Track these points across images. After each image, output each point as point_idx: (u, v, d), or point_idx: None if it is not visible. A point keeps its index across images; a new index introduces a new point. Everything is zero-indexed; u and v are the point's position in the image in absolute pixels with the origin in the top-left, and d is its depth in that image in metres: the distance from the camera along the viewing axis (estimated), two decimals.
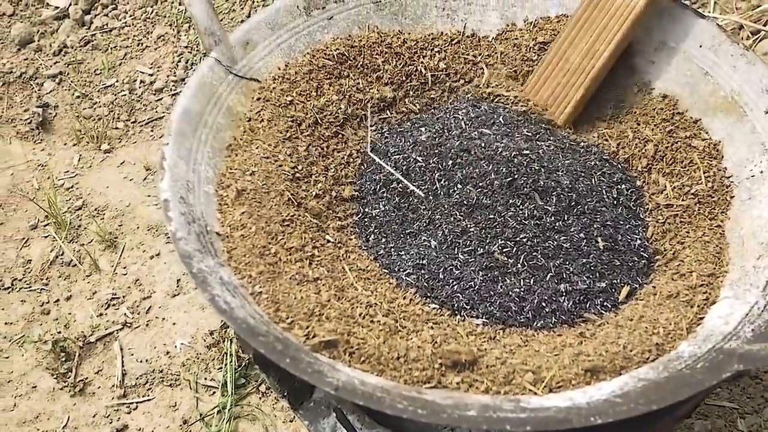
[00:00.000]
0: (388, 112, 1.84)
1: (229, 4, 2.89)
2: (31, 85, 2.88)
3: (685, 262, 1.52)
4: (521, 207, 1.57)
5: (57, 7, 3.03)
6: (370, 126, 1.79)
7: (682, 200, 1.63)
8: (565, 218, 1.57)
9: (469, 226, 1.58)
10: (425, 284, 1.54)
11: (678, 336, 1.36)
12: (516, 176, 1.60)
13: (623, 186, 1.67)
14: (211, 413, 1.97)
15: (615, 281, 1.53)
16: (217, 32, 1.70)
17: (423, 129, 1.76)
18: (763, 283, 1.38)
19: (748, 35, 2.37)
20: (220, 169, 1.60)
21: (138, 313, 2.20)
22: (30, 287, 2.29)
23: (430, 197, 1.63)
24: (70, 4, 3.02)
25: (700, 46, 1.72)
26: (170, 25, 2.93)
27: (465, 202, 1.60)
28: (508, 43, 1.89)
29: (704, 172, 1.63)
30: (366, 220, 1.67)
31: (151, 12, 2.98)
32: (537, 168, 1.61)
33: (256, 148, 1.67)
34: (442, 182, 1.64)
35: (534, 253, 1.53)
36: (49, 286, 2.29)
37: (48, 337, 2.11)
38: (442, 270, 1.55)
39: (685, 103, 1.73)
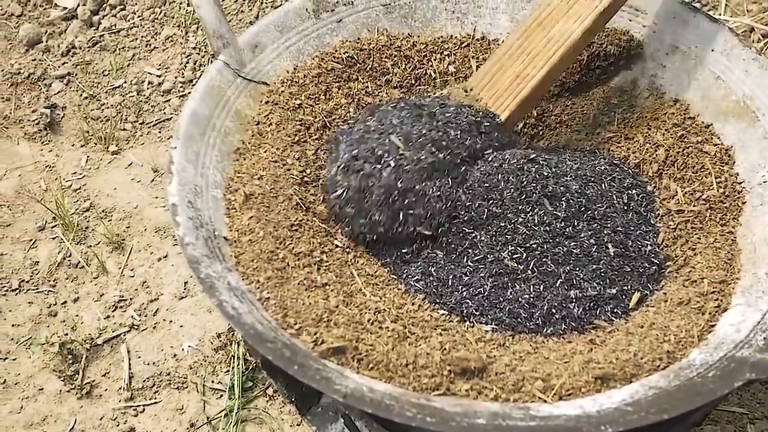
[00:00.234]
0: None
1: (237, 5, 2.89)
2: (39, 85, 2.88)
3: (696, 269, 1.51)
4: (531, 213, 1.56)
5: (65, 8, 3.03)
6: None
7: (694, 206, 1.62)
8: (575, 224, 1.56)
9: (479, 235, 1.58)
10: (434, 290, 1.54)
11: (689, 343, 1.35)
12: (525, 183, 1.59)
13: (634, 191, 1.67)
14: (218, 416, 1.97)
15: (625, 288, 1.52)
16: (226, 35, 1.70)
17: None
18: None
19: (759, 38, 2.36)
20: (228, 173, 1.59)
21: (145, 316, 2.19)
22: (37, 289, 2.28)
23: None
24: (79, 5, 3.02)
25: (712, 51, 1.71)
26: (178, 26, 2.92)
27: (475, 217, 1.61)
28: None
29: (716, 178, 1.62)
30: None
31: (160, 13, 2.98)
32: (546, 174, 1.60)
33: (265, 151, 1.66)
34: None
35: (544, 259, 1.52)
36: (57, 287, 2.28)
37: (55, 339, 2.10)
38: (451, 276, 1.55)
39: (696, 107, 1.72)
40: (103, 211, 2.47)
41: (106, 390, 2.04)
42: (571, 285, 1.50)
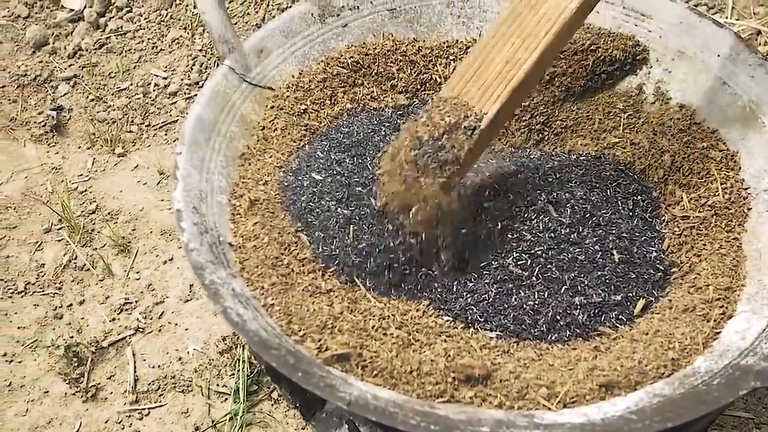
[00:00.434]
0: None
1: (243, 7, 2.89)
2: (46, 87, 2.88)
3: (701, 275, 1.51)
4: (536, 220, 1.56)
5: (72, 10, 3.03)
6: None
7: (699, 212, 1.62)
8: (580, 230, 1.56)
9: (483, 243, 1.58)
10: (438, 296, 1.53)
11: (694, 351, 1.35)
12: (529, 190, 1.59)
13: (639, 197, 1.66)
14: (223, 420, 1.97)
15: (630, 294, 1.51)
16: (232, 40, 1.70)
17: None
18: None
19: (766, 41, 2.36)
20: (233, 179, 1.60)
21: (150, 319, 2.20)
22: (43, 291, 2.29)
23: None
24: (85, 7, 3.02)
25: (718, 56, 1.71)
26: (185, 28, 2.93)
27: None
28: None
29: (721, 184, 1.62)
30: None
31: (166, 15, 2.98)
32: (550, 180, 1.60)
33: (270, 157, 1.67)
34: None
35: (549, 266, 1.52)
36: (62, 290, 2.29)
37: (60, 341, 2.11)
38: (455, 282, 1.54)
39: (702, 113, 1.72)
40: (108, 213, 2.48)
41: (112, 393, 2.04)
42: (576, 291, 1.50)
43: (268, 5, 2.86)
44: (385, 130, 1.75)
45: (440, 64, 1.87)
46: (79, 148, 2.71)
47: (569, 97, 1.89)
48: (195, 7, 2.92)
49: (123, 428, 1.98)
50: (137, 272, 2.31)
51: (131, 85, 2.85)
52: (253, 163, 1.64)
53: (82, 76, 2.90)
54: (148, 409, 2.01)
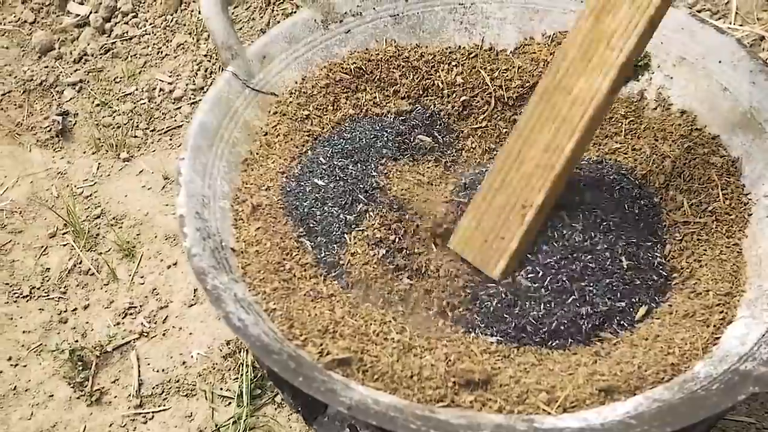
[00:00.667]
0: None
1: (248, 12, 2.90)
2: (52, 92, 2.89)
3: (701, 281, 1.51)
4: (550, 230, 1.57)
5: (78, 15, 3.04)
6: None
7: (700, 217, 1.62)
8: (592, 235, 1.56)
9: None
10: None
11: (694, 356, 1.35)
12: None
13: (642, 202, 1.67)
14: (227, 424, 1.98)
15: (634, 300, 1.51)
16: (235, 46, 1.71)
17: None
18: None
19: None
20: (235, 184, 1.60)
21: (155, 323, 2.21)
22: (48, 296, 2.30)
23: None
24: (91, 12, 3.03)
25: (720, 62, 1.71)
26: (190, 33, 2.94)
27: None
28: (526, 57, 1.89)
29: (722, 190, 1.62)
30: None
31: (171, 20, 2.99)
32: None
33: (272, 162, 1.68)
34: None
35: (559, 276, 1.52)
36: (67, 294, 2.30)
37: (65, 346, 2.11)
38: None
39: (703, 119, 1.72)
40: (113, 218, 2.49)
41: (116, 397, 2.05)
42: (584, 301, 1.49)
43: (273, 11, 2.87)
44: (387, 136, 1.76)
45: (443, 70, 1.87)
46: (84, 152, 2.72)
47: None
48: (200, 12, 2.93)
49: None
50: (142, 277, 2.32)
51: (136, 90, 2.86)
52: (256, 168, 1.65)
53: (88, 81, 2.91)
54: (152, 412, 2.02)
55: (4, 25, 3.06)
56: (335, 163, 1.67)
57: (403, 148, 1.77)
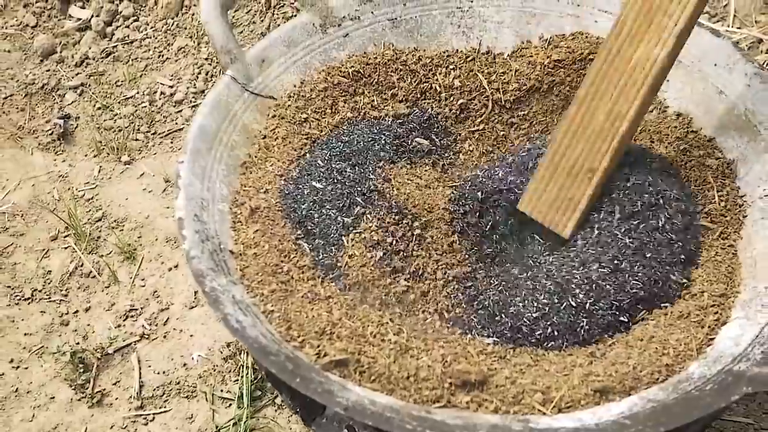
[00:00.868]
0: None
1: (249, 16, 2.91)
2: (53, 96, 2.91)
3: (696, 282, 1.52)
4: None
5: (79, 19, 3.06)
6: None
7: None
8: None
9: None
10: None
11: (688, 357, 1.36)
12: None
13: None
14: (227, 425, 1.98)
15: (633, 310, 1.52)
16: (234, 50, 1.72)
17: None
18: None
19: (767, 49, 2.37)
20: (234, 187, 1.61)
21: (156, 325, 2.22)
22: (49, 298, 2.31)
23: None
24: (92, 16, 3.05)
25: (715, 65, 1.72)
26: (191, 37, 2.95)
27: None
28: (523, 61, 1.89)
29: (717, 192, 1.63)
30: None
31: (172, 24, 3.00)
32: None
33: (271, 165, 1.68)
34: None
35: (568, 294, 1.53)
36: (69, 297, 2.31)
37: (67, 348, 2.12)
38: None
39: (699, 121, 1.73)
40: (115, 220, 2.50)
41: (117, 399, 2.06)
42: (588, 313, 1.50)
43: (273, 14, 2.88)
44: (385, 139, 1.76)
45: (440, 74, 1.88)
46: (85, 156, 2.73)
47: (568, 106, 1.90)
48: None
49: None
50: (143, 279, 2.33)
51: (137, 93, 2.88)
52: (255, 171, 1.66)
53: (89, 85, 2.92)
54: (153, 414, 2.03)
55: (6, 29, 3.08)
56: (333, 165, 1.68)
57: (401, 151, 1.78)
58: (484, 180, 1.71)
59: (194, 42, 2.94)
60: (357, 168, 1.70)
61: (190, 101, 2.81)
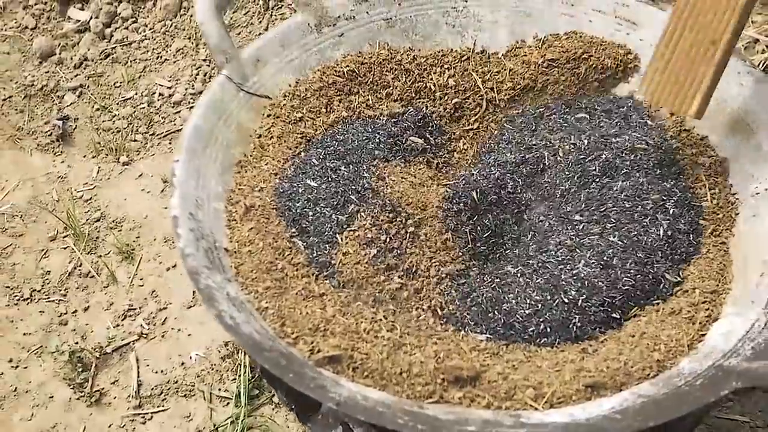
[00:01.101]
0: None
1: (246, 17, 2.92)
2: (52, 97, 2.92)
3: (688, 279, 1.52)
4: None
5: (78, 21, 3.07)
6: None
7: None
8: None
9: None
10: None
11: (679, 352, 1.36)
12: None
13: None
14: (225, 424, 1.99)
15: (627, 305, 1.53)
16: (229, 50, 1.72)
17: None
18: (765, 300, 1.39)
19: (763, 49, 2.37)
20: (229, 186, 1.62)
21: (154, 325, 2.23)
22: (48, 298, 2.32)
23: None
24: (91, 18, 3.06)
25: None
26: (189, 38, 2.96)
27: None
28: (518, 60, 1.90)
29: (710, 189, 1.64)
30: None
31: (171, 25, 3.01)
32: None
33: (266, 164, 1.69)
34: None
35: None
36: (67, 297, 2.32)
37: (65, 347, 2.13)
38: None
39: (692, 120, 1.74)
40: (113, 221, 2.51)
41: (115, 398, 2.07)
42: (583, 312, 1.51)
43: (271, 15, 2.89)
44: (379, 138, 1.77)
45: (435, 73, 1.88)
46: (84, 156, 2.74)
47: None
48: None
49: None
50: (141, 279, 2.34)
51: (136, 94, 2.88)
52: (249, 170, 1.67)
53: (88, 86, 2.93)
54: (151, 413, 2.04)
55: (6, 30, 3.09)
56: (328, 164, 1.69)
57: (395, 150, 1.78)
58: (478, 178, 1.72)
59: (193, 43, 2.95)
60: (351, 166, 1.70)
61: (189, 102, 2.82)
